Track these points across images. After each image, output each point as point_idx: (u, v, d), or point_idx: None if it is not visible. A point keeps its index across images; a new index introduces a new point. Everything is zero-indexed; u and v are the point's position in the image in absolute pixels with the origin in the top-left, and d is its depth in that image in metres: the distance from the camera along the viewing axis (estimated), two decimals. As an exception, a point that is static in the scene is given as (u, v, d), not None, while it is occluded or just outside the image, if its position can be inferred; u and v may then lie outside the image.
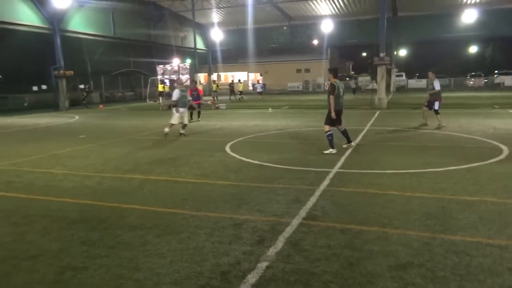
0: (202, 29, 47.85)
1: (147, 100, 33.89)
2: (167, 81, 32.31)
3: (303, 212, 5.01)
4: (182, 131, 12.70)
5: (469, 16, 38.30)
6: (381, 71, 21.99)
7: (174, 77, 32.73)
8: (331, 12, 42.24)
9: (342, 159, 8.24)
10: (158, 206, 5.49)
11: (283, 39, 48.37)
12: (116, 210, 5.37)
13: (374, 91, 24.09)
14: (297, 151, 9.43)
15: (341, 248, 3.96)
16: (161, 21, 41.73)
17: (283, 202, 5.47)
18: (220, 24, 46.29)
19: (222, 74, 54.25)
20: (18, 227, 4.84)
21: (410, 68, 52.65)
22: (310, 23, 45.06)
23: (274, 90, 47.74)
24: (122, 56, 39.39)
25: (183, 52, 44.34)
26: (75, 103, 29.99)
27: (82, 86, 31.15)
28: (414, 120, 14.66)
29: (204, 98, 24.95)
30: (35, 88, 32.58)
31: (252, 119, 17.46)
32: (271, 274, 3.48)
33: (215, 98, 30.52)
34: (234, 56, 52.09)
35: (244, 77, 54.02)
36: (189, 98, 13.19)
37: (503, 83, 39.31)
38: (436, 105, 12.93)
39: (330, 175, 6.86)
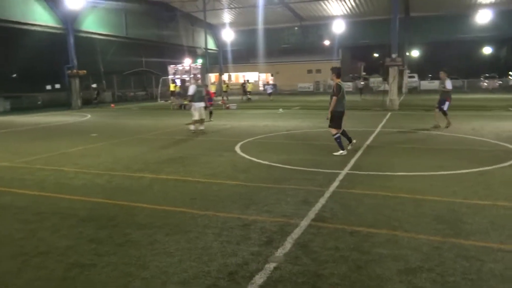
0: (213, 29, 47.99)
1: (158, 99, 34.11)
2: (178, 81, 32.48)
3: (312, 214, 4.98)
4: (201, 127, 12.98)
5: (483, 17, 37.71)
6: (393, 72, 21.80)
7: (185, 77, 32.97)
8: (343, 12, 42.02)
9: (352, 160, 8.18)
10: (167, 205, 5.51)
11: (294, 39, 48.28)
12: (125, 209, 5.40)
13: (385, 92, 23.89)
14: (307, 152, 9.39)
15: (349, 250, 3.92)
16: (172, 21, 41.96)
17: (292, 203, 5.45)
18: (232, 24, 46.35)
19: (233, 74, 54.31)
20: (29, 224, 4.90)
21: (423, 69, 52.22)
22: (321, 23, 44.88)
23: (284, 90, 47.69)
24: (134, 56, 39.76)
25: (195, 52, 44.54)
26: (88, 102, 30.33)
27: (94, 86, 31.50)
28: (426, 122, 14.50)
29: (214, 98, 25.02)
30: (48, 87, 33.10)
31: (262, 119, 17.45)
32: (279, 275, 3.46)
33: (225, 98, 30.60)
34: (245, 56, 52.13)
35: (255, 78, 54.07)
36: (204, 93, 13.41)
37: (518, 85, 38.75)
38: (446, 106, 12.82)
39: (340, 177, 6.81)
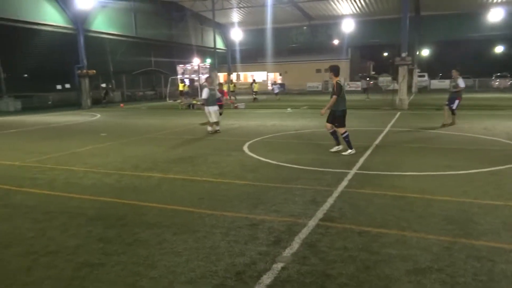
0: (222, 29, 48.08)
1: (167, 99, 34.26)
2: (187, 81, 32.61)
3: (320, 213, 4.95)
4: (217, 128, 13.12)
5: (495, 15, 37.23)
6: (402, 71, 21.62)
7: (194, 76, 33.08)
8: (352, 11, 41.80)
9: (361, 160, 8.12)
10: (175, 204, 5.52)
11: (303, 38, 48.15)
12: (134, 208, 5.42)
13: (395, 91, 23.71)
14: (315, 151, 9.34)
15: (358, 250, 3.89)
16: (182, 21, 42.13)
17: (300, 202, 5.43)
18: (240, 24, 46.39)
19: (242, 74, 54.38)
20: (39, 223, 4.95)
21: (433, 68, 51.71)
22: (330, 22, 44.71)
23: (293, 90, 47.63)
24: (144, 56, 39.99)
25: (203, 52, 44.65)
26: (97, 102, 30.59)
27: (103, 85, 31.77)
28: (436, 121, 14.35)
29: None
30: (59, 86, 33.43)
31: (270, 119, 17.43)
32: (287, 275, 3.45)
33: (233, 98, 30.63)
34: (253, 55, 52.15)
35: (263, 77, 54.05)
36: (219, 95, 13.38)
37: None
38: (455, 104, 12.79)
39: (349, 177, 6.77)
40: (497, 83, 41.65)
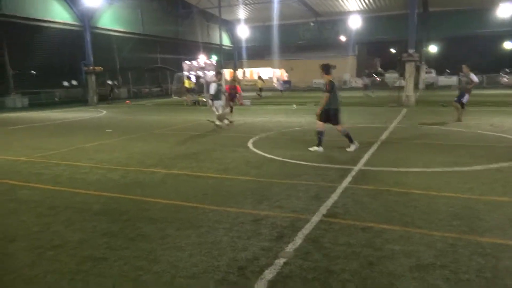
0: (228, 25, 48.02)
1: (172, 95, 34.33)
2: (193, 77, 32.56)
3: (323, 209, 4.94)
4: (219, 123, 13.17)
5: (504, 11, 36.72)
6: (409, 67, 21.45)
7: (200, 73, 33.05)
8: (359, 7, 41.52)
9: (366, 156, 8.08)
10: (179, 200, 5.53)
11: (309, 35, 47.89)
12: (138, 203, 5.45)
13: (401, 88, 23.55)
14: (320, 148, 9.30)
15: (361, 246, 3.87)
16: (188, 18, 42.16)
17: (304, 198, 5.41)
18: (246, 20, 46.29)
19: (248, 70, 54.28)
20: (44, 217, 4.98)
21: (441, 64, 51.19)
22: (337, 19, 44.43)
23: (299, 86, 47.44)
24: (150, 53, 40.05)
25: (209, 49, 44.65)
26: (104, 98, 30.74)
27: (110, 82, 31.92)
28: (443, 118, 14.25)
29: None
30: (65, 83, 33.61)
31: (275, 115, 17.40)
32: (289, 270, 3.44)
33: (237, 94, 30.56)
34: (260, 52, 52.00)
35: (269, 74, 53.94)
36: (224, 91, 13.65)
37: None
38: (465, 98, 12.86)
39: (353, 173, 6.74)
40: (505, 79, 41.15)
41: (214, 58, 39.53)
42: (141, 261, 3.70)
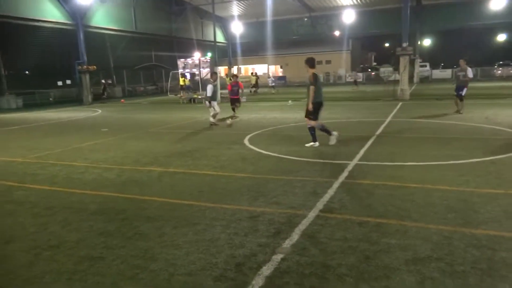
0: (222, 22, 47.84)
1: (168, 93, 34.24)
2: (188, 75, 32.51)
3: (320, 205, 4.96)
4: (213, 120, 13.31)
5: (497, 3, 36.81)
6: (403, 61, 21.50)
7: (195, 70, 32.99)
8: (353, 2, 41.49)
9: (362, 151, 8.11)
10: (175, 198, 5.54)
11: (303, 30, 47.80)
12: (135, 202, 5.44)
13: (396, 82, 23.61)
14: (316, 143, 9.32)
15: (357, 241, 3.89)
16: (182, 15, 41.96)
17: (300, 194, 5.43)
18: (240, 17, 46.14)
19: (242, 67, 54.21)
20: (41, 218, 4.97)
21: (435, 58, 51.36)
22: (331, 14, 44.37)
23: (294, 82, 47.45)
24: (144, 51, 39.88)
25: (204, 46, 44.51)
26: (98, 98, 30.62)
27: (103, 81, 31.81)
28: (438, 111, 14.32)
29: (222, 91, 25.04)
30: (59, 83, 33.41)
31: (271, 111, 17.41)
32: (286, 266, 3.46)
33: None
34: (254, 48, 51.92)
35: (264, 70, 53.87)
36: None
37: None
38: (464, 91, 13.47)
39: (349, 168, 6.76)
40: (499, 71, 41.35)
41: (209, 55, 39.46)
42: (138, 259, 3.71)
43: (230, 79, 31.11)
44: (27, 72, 30.76)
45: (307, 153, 8.16)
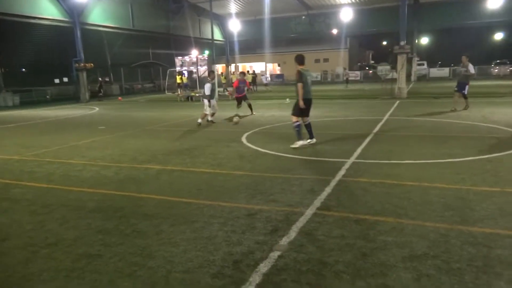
0: (220, 20, 47.72)
1: (166, 91, 34.18)
2: (185, 73, 32.46)
3: (317, 202, 4.97)
4: (211, 119, 13.33)
5: (494, 2, 36.87)
6: (401, 60, 21.54)
7: (192, 68, 32.94)
8: (351, 0, 41.46)
9: (359, 149, 8.13)
10: (173, 195, 5.54)
11: (301, 28, 47.72)
12: (132, 200, 5.44)
13: (394, 80, 23.66)
14: (314, 141, 9.33)
15: (354, 238, 3.91)
16: (179, 12, 41.83)
17: (298, 192, 5.44)
18: (238, 14, 46.02)
19: (240, 65, 54.15)
20: (38, 215, 4.97)
21: (432, 56, 51.45)
22: (329, 12, 44.31)
23: (292, 80, 47.38)
24: (141, 48, 39.77)
25: (201, 44, 44.42)
26: (96, 95, 30.55)
27: (100, 79, 31.74)
28: (435, 109, 14.36)
29: (220, 89, 25.01)
30: (56, 80, 33.32)
31: (269, 109, 17.42)
32: (283, 263, 3.47)
33: (229, 89, 30.57)
34: (252, 46, 51.85)
35: (262, 68, 53.84)
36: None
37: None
38: (466, 89, 13.75)
39: (346, 166, 6.78)
40: (496, 70, 41.46)
41: (206, 53, 39.39)
42: (136, 257, 3.71)
43: (225, 78, 30.95)
44: (23, 69, 30.65)
45: (304, 151, 8.17)
